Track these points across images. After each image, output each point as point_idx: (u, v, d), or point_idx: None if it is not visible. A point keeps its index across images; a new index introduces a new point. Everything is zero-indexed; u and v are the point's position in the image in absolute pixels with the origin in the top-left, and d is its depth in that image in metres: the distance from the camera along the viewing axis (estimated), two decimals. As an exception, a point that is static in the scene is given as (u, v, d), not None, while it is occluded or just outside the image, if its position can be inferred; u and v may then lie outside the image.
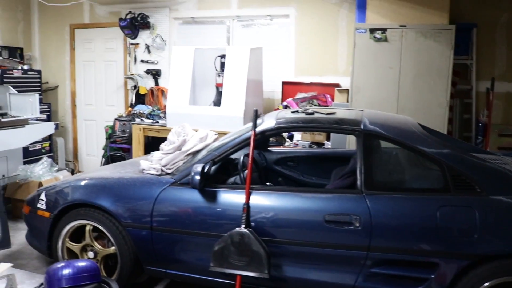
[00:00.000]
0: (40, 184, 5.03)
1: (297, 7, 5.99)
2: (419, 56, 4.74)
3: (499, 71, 5.33)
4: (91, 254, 3.36)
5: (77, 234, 3.44)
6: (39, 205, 3.55)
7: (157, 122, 5.90)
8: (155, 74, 6.76)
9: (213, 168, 3.17)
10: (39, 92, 6.53)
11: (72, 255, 3.45)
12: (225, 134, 3.89)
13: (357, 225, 2.77)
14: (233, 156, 3.40)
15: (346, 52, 5.77)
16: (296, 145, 5.06)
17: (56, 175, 5.39)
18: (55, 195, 3.50)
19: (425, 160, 3.05)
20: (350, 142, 4.82)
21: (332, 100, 5.49)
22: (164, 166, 3.39)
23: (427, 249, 2.72)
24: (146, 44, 6.80)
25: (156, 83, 6.80)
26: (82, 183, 3.49)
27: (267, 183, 3.61)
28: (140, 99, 6.78)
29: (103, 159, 6.43)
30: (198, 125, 4.21)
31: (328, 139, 5.09)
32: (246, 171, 3.12)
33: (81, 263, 2.73)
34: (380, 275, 2.79)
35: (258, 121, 3.25)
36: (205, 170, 3.00)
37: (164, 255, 3.19)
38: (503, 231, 2.63)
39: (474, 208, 2.66)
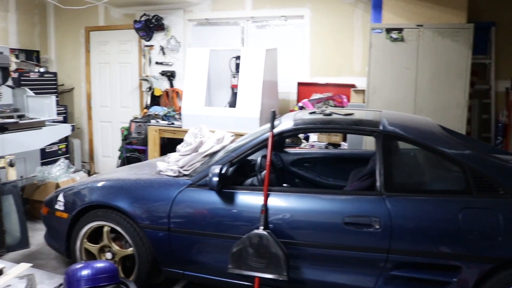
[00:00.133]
0: (57, 185, 5.07)
1: (311, 8, 5.97)
2: (437, 56, 4.68)
3: (519, 70, 5.25)
4: (109, 255, 3.37)
5: (95, 235, 3.45)
6: (57, 206, 3.57)
7: (172, 123, 5.92)
8: (170, 76, 6.77)
9: (230, 169, 3.16)
10: (56, 94, 6.59)
11: (90, 256, 3.46)
12: (241, 135, 3.88)
13: (377, 227, 2.74)
14: (249, 157, 3.38)
15: (362, 53, 5.73)
16: (312, 146, 5.03)
17: (73, 176, 5.43)
18: (73, 197, 3.53)
19: (446, 162, 3.00)
20: (367, 143, 4.78)
21: (348, 101, 5.45)
22: (181, 167, 3.39)
23: (448, 252, 2.68)
24: (160, 46, 6.83)
25: (171, 85, 6.81)
26: (100, 184, 3.50)
27: (284, 185, 3.59)
28: (155, 100, 6.80)
29: (119, 160, 6.46)
30: (213, 127, 4.22)
31: (344, 140, 5.06)
32: (264, 173, 3.10)
33: (99, 264, 2.73)
34: (400, 278, 2.76)
35: (276, 122, 3.23)
36: (223, 172, 2.99)
37: (182, 256, 3.18)
38: (528, 233, 2.58)
39: (497, 211, 2.62)
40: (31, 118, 5.28)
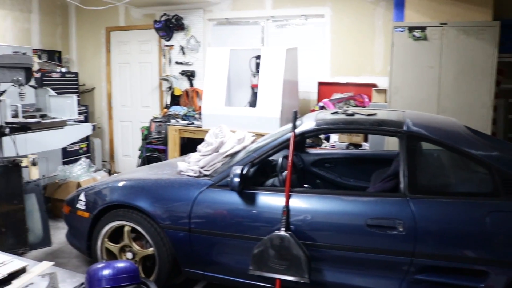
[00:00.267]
0: (79, 185, 5.12)
1: (332, 7, 5.90)
2: (461, 54, 4.58)
3: (546, 69, 5.10)
4: (129, 255, 3.37)
5: (116, 235, 3.46)
6: (78, 206, 3.60)
7: (192, 123, 5.92)
8: (190, 76, 6.78)
9: (251, 170, 3.14)
10: (77, 94, 6.66)
11: (111, 255, 3.48)
12: (261, 135, 3.85)
13: (401, 229, 2.68)
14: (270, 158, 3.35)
15: (383, 52, 5.65)
16: (333, 146, 4.98)
17: (94, 175, 5.48)
18: (94, 196, 3.54)
19: (472, 163, 2.92)
20: (389, 144, 4.70)
21: (370, 100, 5.38)
22: (202, 167, 3.37)
23: (475, 257, 2.61)
24: (180, 45, 6.84)
25: (191, 84, 6.82)
26: (120, 184, 3.51)
27: (305, 185, 3.55)
28: (175, 100, 6.82)
29: (139, 160, 6.49)
30: (233, 126, 4.20)
31: (365, 140, 4.99)
32: (285, 173, 3.07)
33: (120, 264, 2.73)
34: (425, 282, 2.70)
35: (297, 122, 3.20)
36: (244, 172, 2.97)
37: (202, 257, 3.17)
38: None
39: (527, 214, 2.54)
40: (53, 118, 5.35)
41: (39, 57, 6.79)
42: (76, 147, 6.40)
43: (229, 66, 5.59)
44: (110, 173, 7.03)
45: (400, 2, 5.05)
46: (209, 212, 3.11)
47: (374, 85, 5.55)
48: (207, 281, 3.46)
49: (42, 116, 5.27)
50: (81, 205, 3.58)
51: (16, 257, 2.40)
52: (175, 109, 6.43)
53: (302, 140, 3.43)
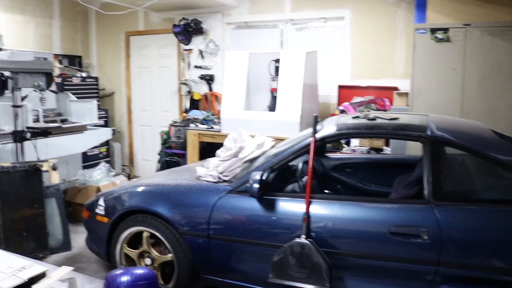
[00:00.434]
0: (98, 189, 5.14)
1: (352, 9, 5.83)
2: (486, 56, 4.47)
3: None
4: (148, 261, 3.36)
5: (135, 240, 3.45)
6: (97, 211, 3.60)
7: (212, 127, 5.90)
8: (209, 80, 6.77)
9: (271, 176, 3.09)
10: (97, 99, 6.71)
11: (130, 261, 3.46)
12: (281, 140, 3.80)
13: (426, 237, 2.60)
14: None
15: (405, 54, 5.55)
16: (354, 150, 4.90)
17: (113, 180, 5.49)
18: (113, 201, 3.54)
19: (499, 169, 2.82)
20: (411, 148, 4.61)
21: (391, 104, 5.29)
22: (221, 173, 3.34)
23: (503, 267, 2.51)
24: (199, 49, 6.84)
25: (210, 89, 6.81)
26: (139, 189, 3.50)
27: (325, 191, 3.48)
28: (194, 104, 6.81)
29: (158, 164, 6.49)
30: (253, 131, 4.15)
31: (387, 144, 4.90)
32: (305, 179, 3.01)
33: (139, 271, 2.70)
34: (450, 292, 2.61)
35: (318, 127, 3.14)
36: (264, 178, 2.92)
37: (222, 264, 3.13)
38: None
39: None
40: (74, 122, 5.40)
41: (60, 62, 6.87)
42: (96, 151, 6.43)
43: (248, 70, 5.55)
44: (129, 177, 7.06)
45: (421, 3, 4.96)
46: (228, 218, 3.07)
47: (395, 88, 5.46)
48: (226, 288, 3.43)
49: (63, 121, 5.32)
50: (100, 210, 3.57)
51: (36, 261, 2.39)
52: (194, 114, 6.42)
53: (322, 145, 3.37)
